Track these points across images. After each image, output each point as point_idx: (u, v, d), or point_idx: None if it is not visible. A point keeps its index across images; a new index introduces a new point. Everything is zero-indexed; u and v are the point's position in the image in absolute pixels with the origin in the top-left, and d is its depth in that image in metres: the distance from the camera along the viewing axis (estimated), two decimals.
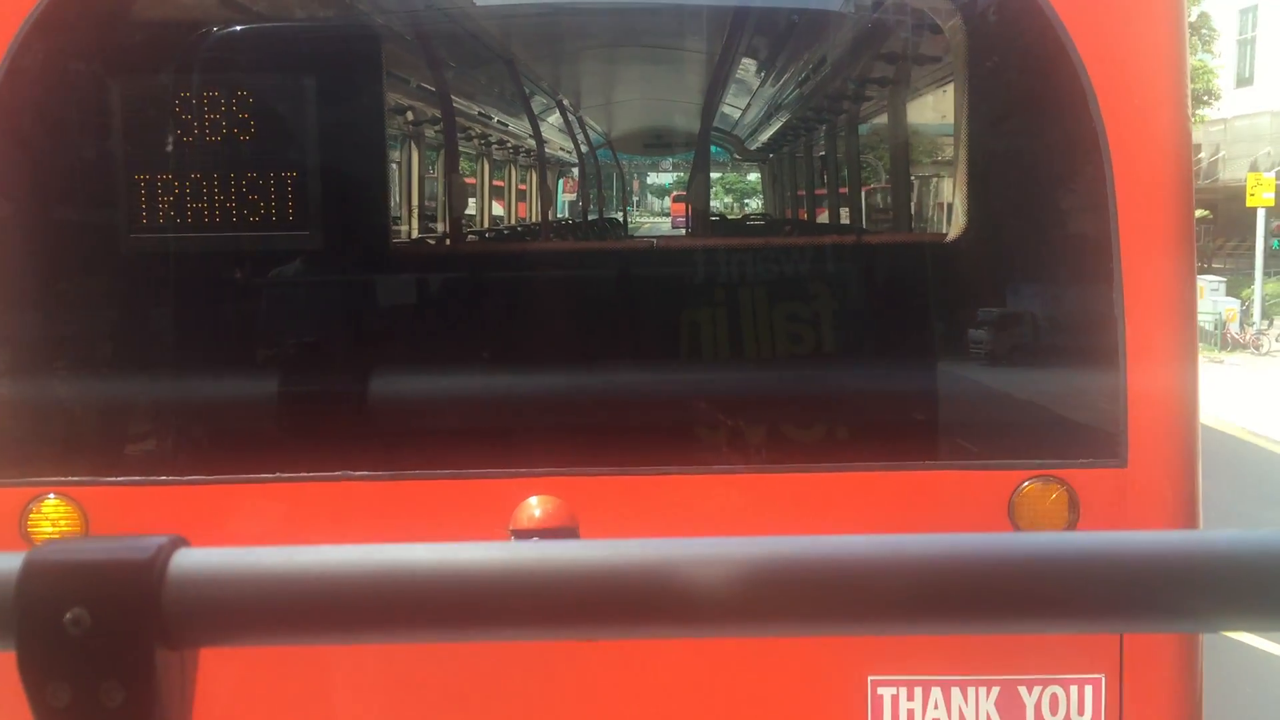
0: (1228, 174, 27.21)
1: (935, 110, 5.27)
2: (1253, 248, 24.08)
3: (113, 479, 3.00)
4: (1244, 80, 30.14)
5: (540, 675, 2.91)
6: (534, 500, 2.86)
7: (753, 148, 11.28)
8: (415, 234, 7.56)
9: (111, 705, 0.68)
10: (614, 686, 2.94)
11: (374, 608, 0.71)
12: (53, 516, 2.89)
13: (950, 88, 3.86)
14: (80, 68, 3.22)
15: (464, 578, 0.71)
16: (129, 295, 3.42)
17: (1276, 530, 0.76)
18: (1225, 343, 21.27)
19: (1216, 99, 27.72)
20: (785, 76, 6.73)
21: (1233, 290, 23.59)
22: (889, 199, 5.45)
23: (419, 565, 0.72)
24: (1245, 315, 23.22)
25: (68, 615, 0.68)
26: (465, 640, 0.72)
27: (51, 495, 2.89)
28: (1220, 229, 29.42)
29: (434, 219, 8.00)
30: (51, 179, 3.21)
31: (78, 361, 3.34)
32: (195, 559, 0.72)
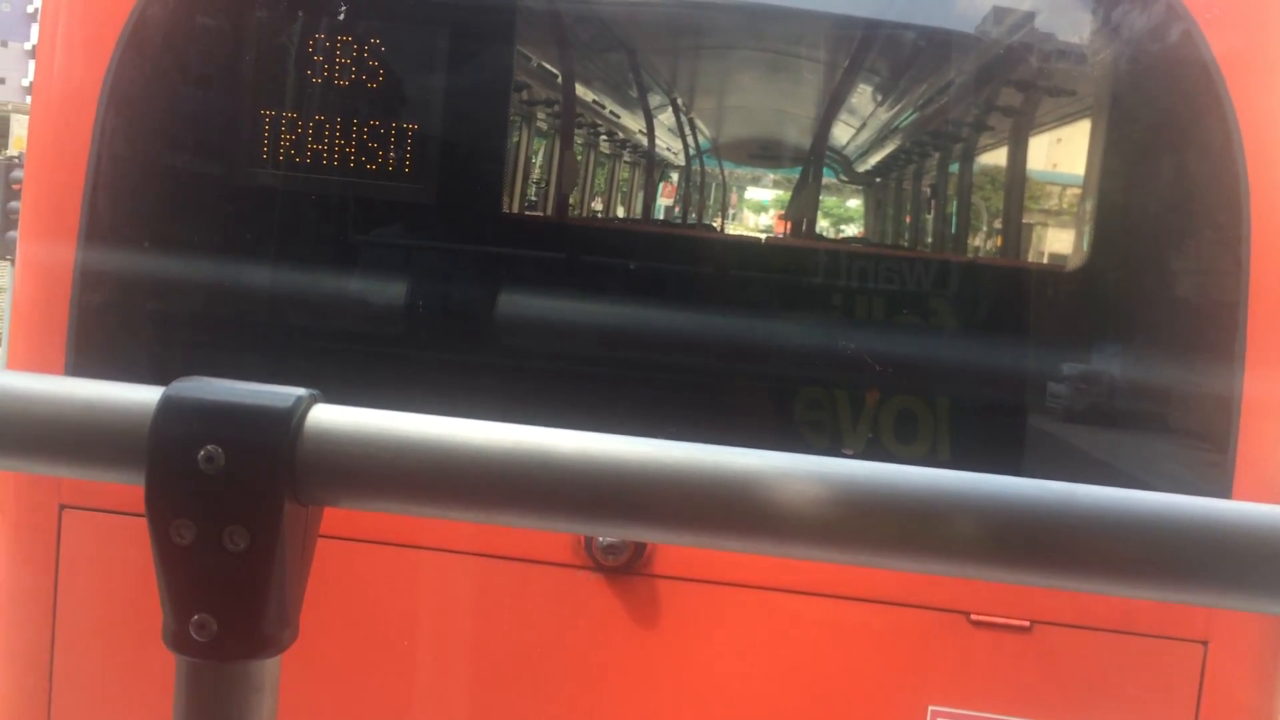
0: None
1: (1061, 149, 5.14)
2: None
3: None
4: None
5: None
6: None
7: (861, 170, 11.16)
8: (524, 207, 7.61)
9: (234, 549, 0.66)
10: (667, 705, 2.91)
11: (513, 488, 0.68)
12: None
13: (1075, 127, 3.75)
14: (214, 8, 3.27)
15: (606, 470, 0.67)
16: (226, 234, 3.46)
17: None
18: None
19: None
20: (908, 99, 6.63)
21: None
22: (1010, 239, 5.34)
23: (559, 451, 0.69)
24: None
25: (202, 452, 0.66)
26: (593, 533, 0.69)
27: None
28: None
29: (543, 195, 8.03)
30: (176, 111, 3.26)
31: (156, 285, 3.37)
32: (334, 415, 0.69)
